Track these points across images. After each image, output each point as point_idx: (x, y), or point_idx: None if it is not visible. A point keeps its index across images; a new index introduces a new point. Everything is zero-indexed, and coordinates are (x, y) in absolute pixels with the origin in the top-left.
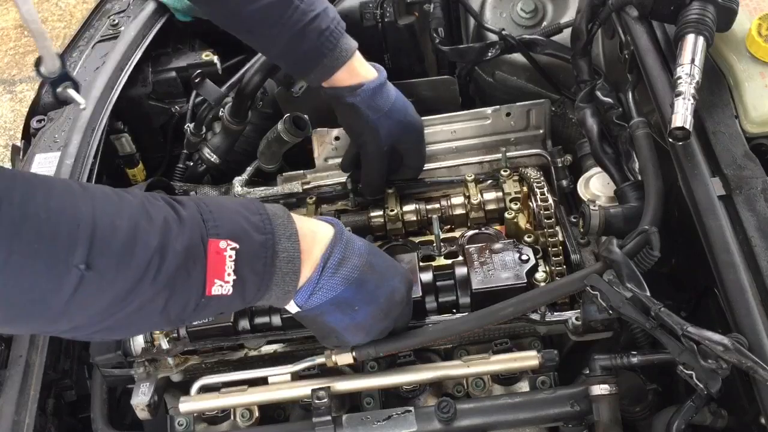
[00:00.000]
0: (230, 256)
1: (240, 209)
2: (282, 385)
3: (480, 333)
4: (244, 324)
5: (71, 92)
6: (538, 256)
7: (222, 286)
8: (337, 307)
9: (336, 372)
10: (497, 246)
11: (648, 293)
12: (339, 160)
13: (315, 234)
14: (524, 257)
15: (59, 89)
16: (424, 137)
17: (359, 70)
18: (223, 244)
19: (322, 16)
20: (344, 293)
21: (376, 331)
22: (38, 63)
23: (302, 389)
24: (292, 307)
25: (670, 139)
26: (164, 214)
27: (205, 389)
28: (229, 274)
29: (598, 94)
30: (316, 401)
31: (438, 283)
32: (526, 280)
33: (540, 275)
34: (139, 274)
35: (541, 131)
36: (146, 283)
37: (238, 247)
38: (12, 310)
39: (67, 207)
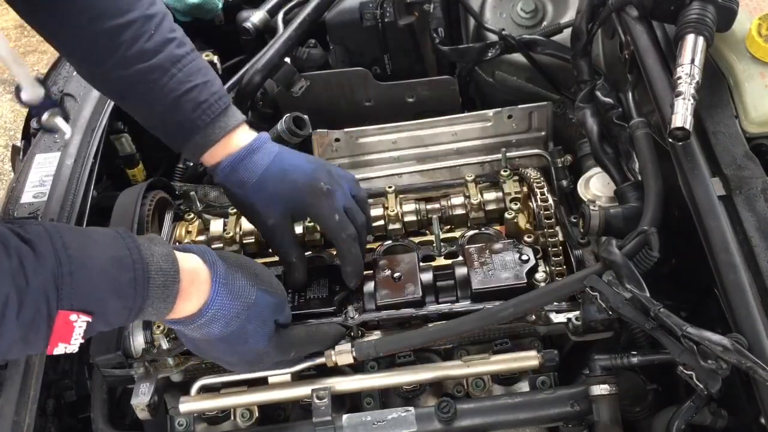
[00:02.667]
0: (80, 326)
1: (110, 264)
2: (282, 385)
3: (480, 333)
4: None
5: (58, 121)
6: (538, 257)
7: (66, 348)
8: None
9: (336, 372)
10: (497, 246)
11: (647, 294)
12: (339, 160)
13: (194, 270)
14: (524, 257)
15: (45, 117)
16: (324, 206)
17: (237, 145)
18: (73, 316)
19: (200, 88)
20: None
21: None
22: (18, 91)
23: (302, 389)
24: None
25: (670, 139)
26: (5, 290)
27: (205, 389)
28: (76, 339)
29: (598, 94)
30: (316, 401)
31: (438, 284)
32: (526, 281)
33: (540, 275)
34: None
35: (543, 133)
36: None
37: (90, 320)
38: None
39: None
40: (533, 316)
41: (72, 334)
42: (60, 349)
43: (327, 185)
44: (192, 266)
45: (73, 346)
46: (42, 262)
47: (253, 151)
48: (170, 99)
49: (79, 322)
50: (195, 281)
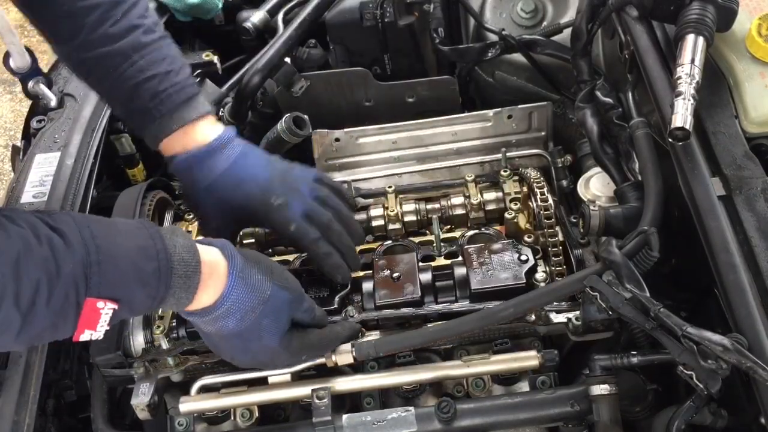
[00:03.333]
0: (107, 314)
1: (135, 254)
2: (282, 385)
3: (480, 333)
4: None
5: (42, 87)
6: (538, 257)
7: (92, 335)
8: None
9: (336, 372)
10: (496, 246)
11: (647, 294)
12: (339, 161)
13: (213, 262)
14: (523, 257)
15: (30, 84)
16: (277, 219)
17: (195, 139)
18: (101, 303)
19: (160, 78)
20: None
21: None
22: (6, 58)
23: (302, 389)
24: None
25: (670, 139)
26: (37, 276)
27: (205, 389)
28: (101, 326)
29: (598, 94)
30: (316, 401)
31: (437, 284)
32: (525, 281)
33: (540, 275)
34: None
35: (543, 133)
36: (9, 338)
37: (116, 308)
38: None
39: None
40: (533, 316)
41: (98, 321)
42: (86, 336)
43: (279, 198)
44: (211, 258)
45: (98, 333)
46: (71, 250)
47: (212, 151)
48: (128, 86)
49: (106, 310)
50: (214, 273)
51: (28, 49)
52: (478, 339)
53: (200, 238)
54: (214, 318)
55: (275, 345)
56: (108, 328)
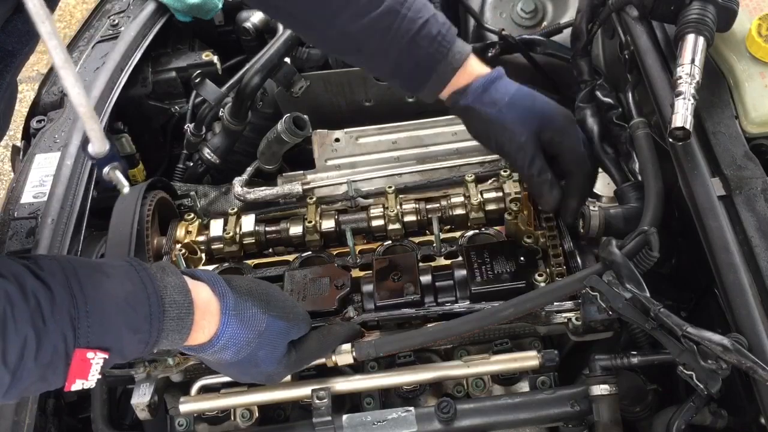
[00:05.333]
0: (98, 363)
1: (125, 300)
2: (282, 385)
3: (480, 333)
4: None
5: (117, 175)
6: (537, 257)
7: (84, 384)
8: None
9: (336, 372)
10: (496, 247)
11: (648, 294)
12: (339, 161)
13: (206, 302)
14: (523, 258)
15: (106, 170)
16: (575, 132)
17: (474, 71)
18: (90, 354)
19: (431, 22)
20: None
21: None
22: (85, 143)
23: (302, 389)
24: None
25: (671, 139)
26: (24, 332)
27: (205, 389)
28: (93, 375)
29: (598, 94)
30: (316, 401)
31: (437, 284)
32: (525, 281)
33: (540, 276)
34: None
35: None
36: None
37: (107, 357)
38: None
39: None
40: (543, 312)
41: (89, 370)
42: (77, 386)
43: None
44: (204, 298)
45: (90, 382)
46: (58, 301)
47: (500, 76)
48: (406, 40)
49: (96, 359)
50: (207, 313)
51: (107, 136)
52: (478, 339)
53: (188, 269)
54: (211, 353)
55: (272, 369)
56: (100, 376)
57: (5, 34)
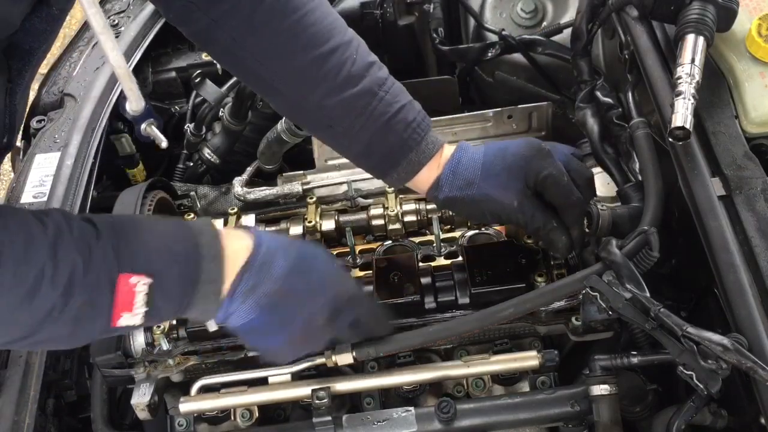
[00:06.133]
0: (142, 291)
1: (163, 237)
2: (282, 385)
3: (480, 333)
4: None
5: (154, 130)
6: (537, 257)
7: (130, 318)
8: (249, 332)
9: (336, 372)
10: (496, 246)
11: (648, 294)
12: (339, 161)
13: (237, 254)
14: (523, 258)
15: (143, 126)
16: (553, 166)
17: (446, 157)
18: (134, 279)
19: (408, 108)
20: (254, 321)
21: (301, 353)
22: (122, 102)
23: (302, 389)
24: (212, 325)
25: (671, 139)
26: (72, 257)
27: (205, 389)
28: (138, 308)
29: (598, 94)
30: (316, 401)
31: (437, 284)
32: (525, 282)
33: (540, 276)
34: (40, 316)
35: (543, 133)
36: (48, 323)
37: (151, 282)
38: None
39: None
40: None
41: (134, 300)
42: (124, 321)
43: (546, 146)
44: (236, 248)
45: (136, 317)
46: (101, 233)
47: (463, 150)
48: (382, 122)
49: (140, 286)
50: (236, 261)
51: (144, 95)
52: (478, 339)
53: (236, 228)
54: (229, 313)
55: (287, 340)
56: (146, 309)
57: (24, 33)
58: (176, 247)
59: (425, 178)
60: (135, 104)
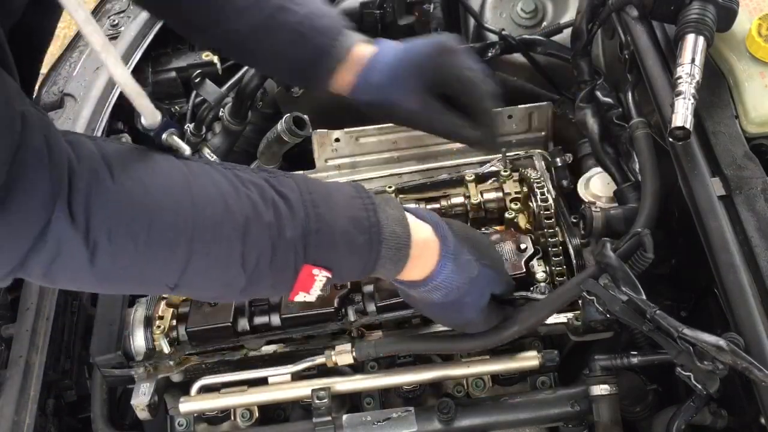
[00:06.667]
0: (321, 280)
1: (348, 227)
2: (282, 385)
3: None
4: (243, 324)
5: (175, 140)
6: (538, 257)
7: (305, 297)
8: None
9: (336, 372)
10: (495, 237)
11: (643, 296)
12: (339, 161)
13: (425, 246)
14: (522, 246)
15: (164, 137)
16: (462, 57)
17: (363, 56)
18: (316, 271)
19: (318, 14)
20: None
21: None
22: (137, 118)
23: (302, 389)
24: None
25: (671, 139)
26: (262, 239)
27: (205, 389)
28: (314, 291)
29: (598, 94)
30: (316, 401)
31: None
32: (524, 270)
33: (540, 275)
34: (223, 286)
35: (543, 133)
36: (233, 294)
37: (330, 276)
38: (125, 286)
39: (169, 225)
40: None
41: (312, 286)
42: (300, 297)
43: (451, 42)
44: (424, 236)
45: (311, 296)
46: (294, 217)
47: (379, 54)
48: (296, 34)
49: (320, 277)
50: (424, 253)
51: (157, 106)
52: None
53: (412, 208)
54: (421, 290)
55: (474, 317)
56: (321, 293)
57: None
58: (360, 238)
59: (345, 82)
60: (150, 119)
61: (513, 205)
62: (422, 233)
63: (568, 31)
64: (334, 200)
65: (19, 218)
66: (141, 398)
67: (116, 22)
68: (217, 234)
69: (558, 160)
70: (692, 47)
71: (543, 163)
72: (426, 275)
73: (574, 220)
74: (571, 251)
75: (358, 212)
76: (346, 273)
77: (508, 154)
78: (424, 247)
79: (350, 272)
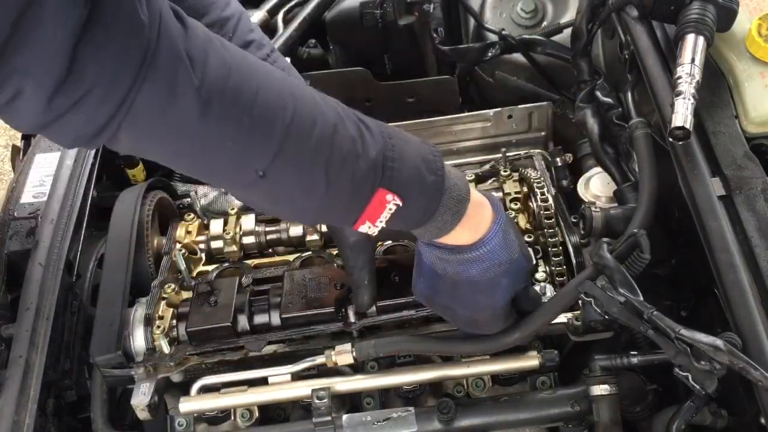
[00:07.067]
0: (390, 209)
1: (420, 164)
2: (282, 385)
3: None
4: (243, 324)
5: None
6: (538, 257)
7: (369, 228)
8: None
9: (336, 372)
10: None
11: (641, 297)
12: None
13: (479, 210)
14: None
15: None
16: None
17: None
18: (389, 196)
19: None
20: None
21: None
22: None
23: (302, 389)
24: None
25: (671, 139)
26: (347, 149)
27: (205, 389)
28: (380, 222)
29: (598, 94)
30: (316, 401)
31: None
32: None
33: (540, 275)
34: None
35: (543, 133)
36: (311, 202)
37: (400, 204)
38: (221, 160)
39: (272, 105)
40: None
41: (381, 214)
42: (364, 228)
43: None
44: (480, 200)
45: (375, 229)
46: (375, 139)
47: None
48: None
49: (391, 205)
50: (478, 215)
51: None
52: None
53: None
54: (462, 260)
55: (501, 305)
56: (385, 226)
57: None
58: (428, 177)
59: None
60: None
61: (513, 205)
62: (479, 197)
63: (568, 31)
64: (407, 139)
65: (132, 25)
66: (141, 398)
67: None
68: (309, 130)
69: (558, 160)
70: (692, 47)
71: (543, 163)
72: (476, 239)
73: (574, 220)
74: (571, 251)
75: (428, 155)
76: (412, 210)
77: (508, 154)
78: (480, 208)
79: (415, 211)
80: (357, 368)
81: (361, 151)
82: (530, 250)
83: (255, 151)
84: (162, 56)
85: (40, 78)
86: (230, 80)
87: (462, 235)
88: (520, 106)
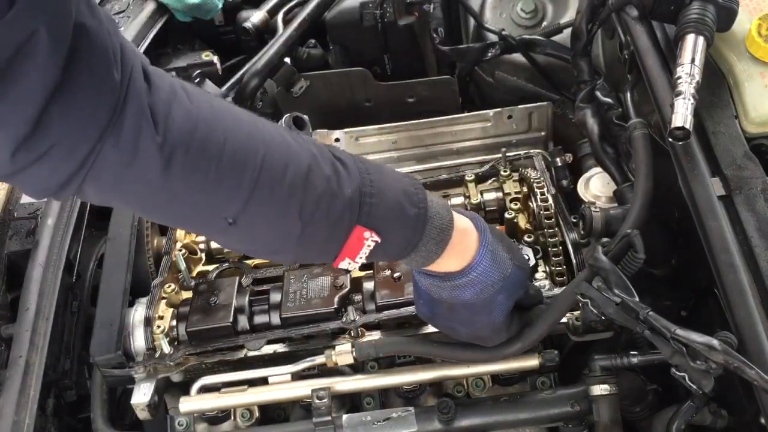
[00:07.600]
0: (369, 246)
1: (400, 198)
2: (282, 385)
3: None
4: (243, 324)
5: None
6: (538, 256)
7: (350, 264)
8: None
9: (336, 372)
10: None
11: (636, 298)
12: None
13: (464, 236)
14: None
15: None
16: None
17: None
18: (367, 233)
19: None
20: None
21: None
22: None
23: (302, 389)
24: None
25: (670, 139)
26: (321, 190)
27: (205, 389)
28: (360, 258)
29: (598, 94)
30: (316, 401)
31: None
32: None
33: (540, 275)
34: (278, 242)
35: (543, 133)
36: (288, 245)
37: (379, 241)
38: (188, 212)
39: (240, 153)
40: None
41: (360, 251)
42: (344, 264)
43: None
44: (464, 226)
45: (355, 265)
46: (351, 176)
47: None
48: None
49: (369, 242)
50: (464, 241)
51: None
52: None
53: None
54: (454, 286)
55: (501, 320)
56: (365, 261)
57: None
58: (410, 210)
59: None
60: None
61: (513, 205)
62: (463, 222)
63: (568, 31)
64: (385, 173)
65: (98, 86)
66: (141, 398)
67: (116, 22)
68: (281, 174)
69: (558, 160)
70: (692, 47)
71: (543, 163)
72: (465, 265)
73: (574, 220)
74: (571, 251)
75: (410, 188)
76: (393, 244)
77: (508, 154)
78: (465, 234)
79: (396, 245)
80: (357, 368)
81: (336, 189)
82: (529, 250)
83: (223, 200)
84: (127, 115)
85: (7, 131)
86: (196, 133)
87: (449, 262)
88: (520, 107)
